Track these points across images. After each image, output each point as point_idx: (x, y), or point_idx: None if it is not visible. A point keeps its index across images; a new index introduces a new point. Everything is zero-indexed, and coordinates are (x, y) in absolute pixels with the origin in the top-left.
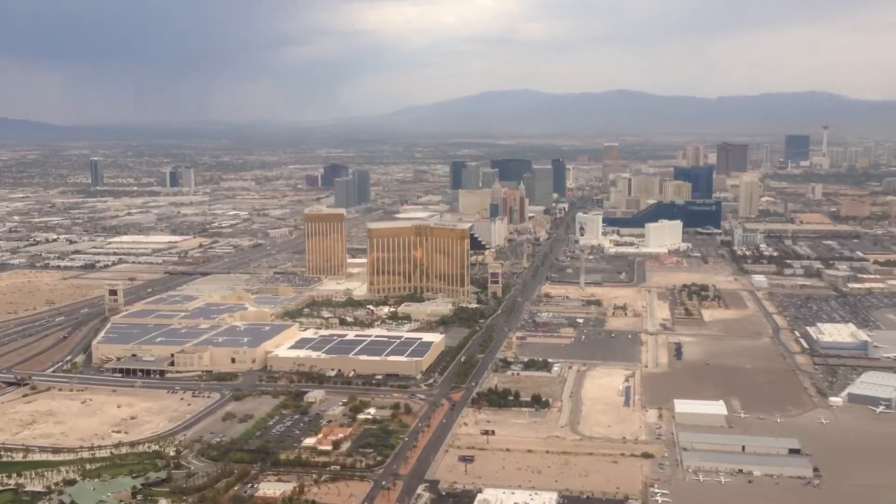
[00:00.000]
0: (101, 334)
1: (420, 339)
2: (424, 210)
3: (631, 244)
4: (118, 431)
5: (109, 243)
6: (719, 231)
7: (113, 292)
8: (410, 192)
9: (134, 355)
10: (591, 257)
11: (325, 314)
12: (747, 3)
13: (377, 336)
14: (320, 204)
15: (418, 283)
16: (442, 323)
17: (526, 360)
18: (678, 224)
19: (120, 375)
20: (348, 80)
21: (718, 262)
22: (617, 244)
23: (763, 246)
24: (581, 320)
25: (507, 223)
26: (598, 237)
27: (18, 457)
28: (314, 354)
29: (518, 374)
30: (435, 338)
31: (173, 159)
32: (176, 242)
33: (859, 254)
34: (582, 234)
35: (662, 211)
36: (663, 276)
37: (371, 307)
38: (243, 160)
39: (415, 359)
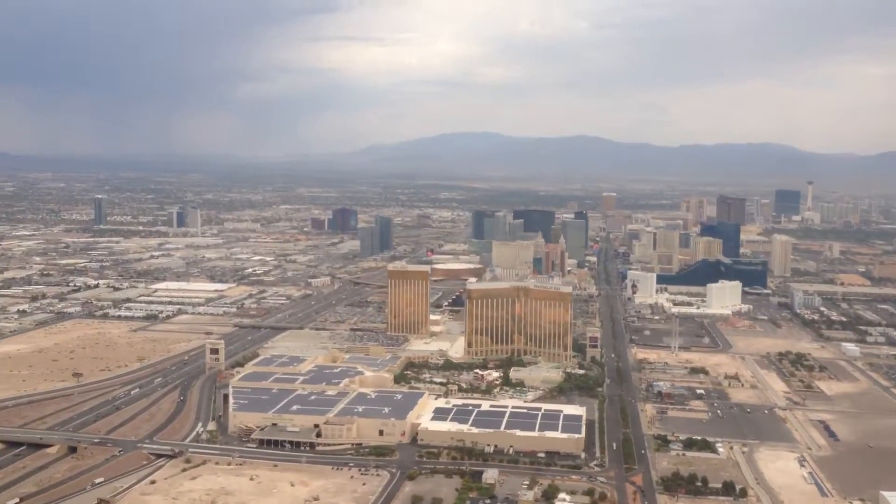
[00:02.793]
0: (232, 400)
1: (561, 411)
2: (457, 261)
3: (689, 304)
4: None
5: (155, 291)
6: (768, 291)
7: (214, 351)
8: (422, 238)
9: (275, 424)
10: (656, 317)
11: (438, 379)
12: (701, 57)
13: (514, 407)
14: (337, 249)
15: (516, 346)
16: (560, 391)
17: (683, 438)
18: (738, 285)
19: (264, 447)
20: (308, 117)
21: (791, 327)
22: (676, 304)
23: (823, 309)
24: (701, 391)
25: (559, 279)
26: (652, 295)
27: None
28: (465, 428)
29: (683, 454)
30: (576, 410)
31: (157, 195)
32: (222, 291)
33: None
34: (634, 292)
35: (708, 269)
36: (747, 342)
37: (478, 371)
38: (229, 198)
39: (575, 435)
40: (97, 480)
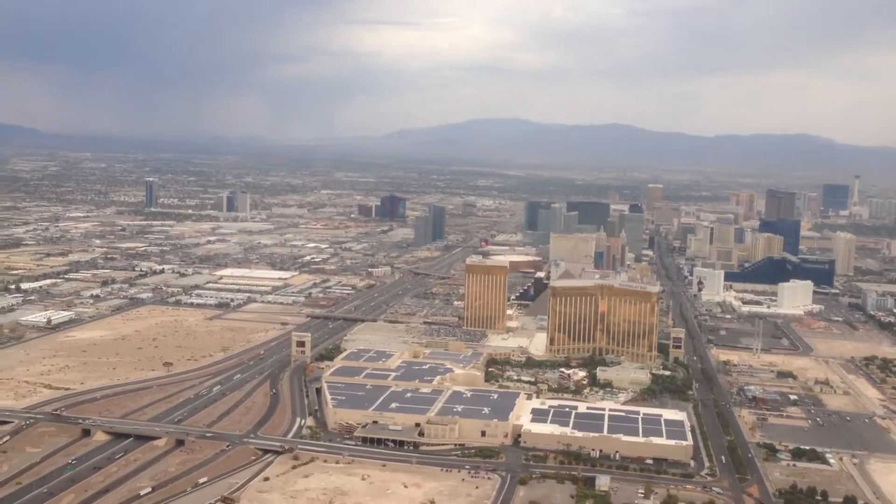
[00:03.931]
0: (330, 396)
1: (661, 415)
2: (513, 252)
3: (757, 303)
4: None
5: (220, 278)
6: (836, 291)
7: (300, 343)
8: (470, 227)
9: (375, 422)
10: (727, 316)
11: (525, 378)
12: (733, 47)
13: (612, 410)
14: (389, 237)
15: (599, 345)
16: (650, 393)
17: (791, 447)
18: (809, 284)
19: (367, 445)
20: (339, 100)
21: (867, 330)
22: (745, 302)
23: None
24: (794, 397)
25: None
26: (719, 293)
27: None
28: (568, 431)
29: (794, 464)
30: (676, 415)
31: (198, 178)
32: (286, 279)
33: None
34: (700, 289)
35: (774, 267)
36: (826, 345)
37: (563, 370)
38: (269, 182)
39: (683, 442)
40: (207, 477)
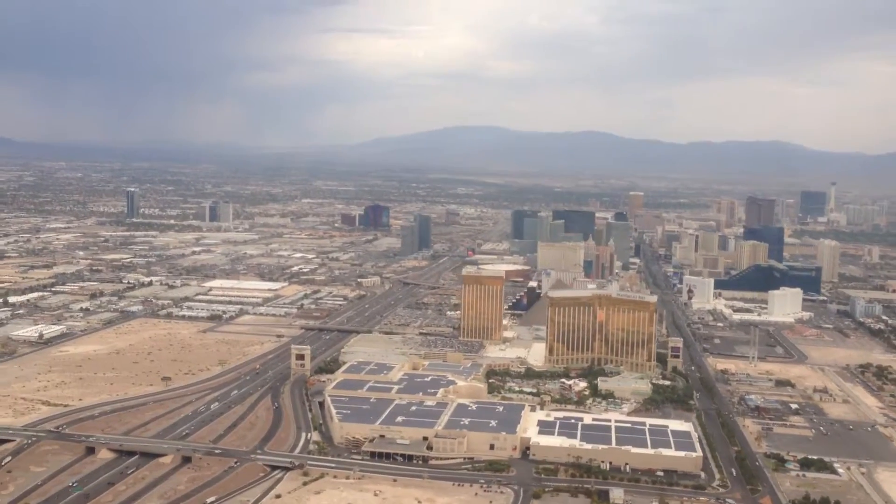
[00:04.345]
0: (335, 410)
1: (667, 426)
2: (501, 261)
3: (748, 310)
4: None
5: (210, 290)
6: (824, 298)
7: (300, 356)
8: (454, 236)
9: (382, 436)
10: (720, 324)
11: (527, 389)
12: (707, 54)
13: (618, 421)
14: (374, 246)
15: (597, 355)
16: (652, 403)
17: (800, 457)
18: (798, 292)
19: (375, 459)
20: (313, 108)
21: (859, 337)
22: (735, 310)
23: (886, 318)
24: (795, 406)
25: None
26: (709, 301)
27: None
28: (576, 443)
29: (803, 475)
30: (682, 426)
31: (177, 187)
32: (276, 290)
33: None
34: (690, 297)
35: (761, 274)
36: (820, 353)
37: (564, 381)
38: (249, 191)
39: (693, 454)
40: (216, 496)
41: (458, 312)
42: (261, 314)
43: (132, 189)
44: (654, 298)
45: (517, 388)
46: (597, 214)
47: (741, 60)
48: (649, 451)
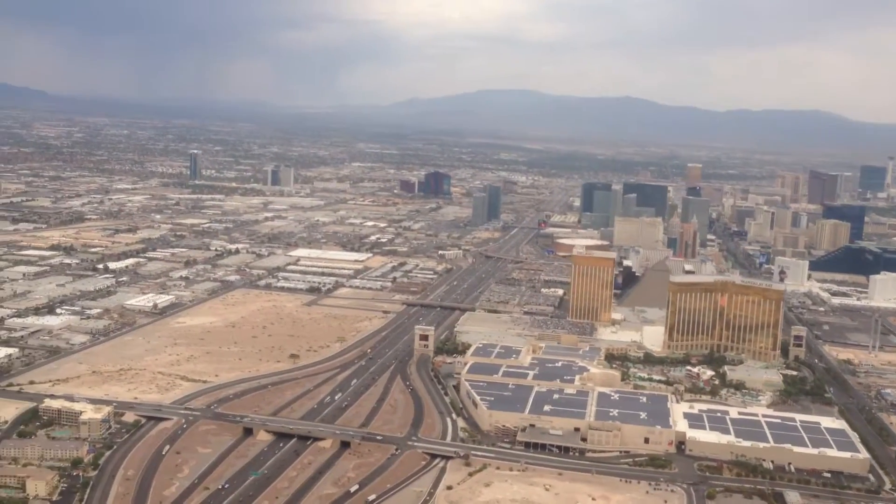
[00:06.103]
0: (479, 397)
1: (819, 423)
2: (576, 235)
3: (846, 294)
4: None
5: (298, 260)
6: None
7: (424, 337)
8: (516, 206)
9: (533, 426)
10: (820, 309)
11: (656, 377)
12: (746, 19)
13: (765, 416)
14: (441, 215)
15: (717, 342)
16: (786, 395)
17: None
18: None
19: (530, 450)
20: (344, 67)
21: None
22: (833, 294)
23: None
24: None
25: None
26: (803, 284)
27: None
28: (734, 440)
29: None
30: (834, 423)
31: (224, 147)
32: (363, 261)
33: None
34: (782, 279)
35: (853, 255)
36: None
37: (689, 369)
38: (296, 153)
39: (859, 455)
40: (389, 484)
41: (552, 290)
42: (357, 287)
43: (195, 151)
44: (781, 286)
45: (646, 376)
46: (670, 190)
47: (778, 27)
48: (812, 450)
